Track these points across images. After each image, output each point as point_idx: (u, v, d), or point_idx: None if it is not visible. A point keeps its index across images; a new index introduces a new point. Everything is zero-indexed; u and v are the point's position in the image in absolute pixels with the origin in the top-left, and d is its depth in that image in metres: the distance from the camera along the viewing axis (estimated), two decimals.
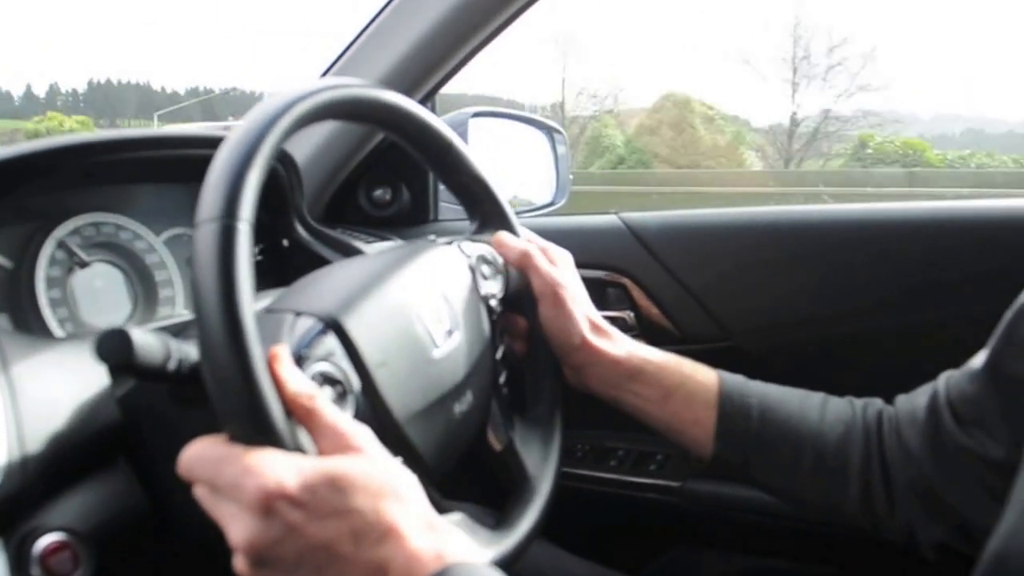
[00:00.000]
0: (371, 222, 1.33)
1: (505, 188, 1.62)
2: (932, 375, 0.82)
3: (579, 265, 1.19)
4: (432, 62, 1.15)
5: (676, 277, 1.22)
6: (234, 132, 0.60)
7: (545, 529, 0.81)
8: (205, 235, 0.54)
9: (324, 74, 1.23)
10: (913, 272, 1.14)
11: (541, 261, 0.86)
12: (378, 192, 1.34)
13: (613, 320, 1.23)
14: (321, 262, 1.07)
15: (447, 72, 1.19)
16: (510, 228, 0.90)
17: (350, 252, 1.09)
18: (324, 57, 1.21)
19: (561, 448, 0.86)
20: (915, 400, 0.81)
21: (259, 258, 1.08)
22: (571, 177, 1.71)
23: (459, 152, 0.85)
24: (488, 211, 0.89)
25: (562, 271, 0.88)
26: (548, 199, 1.65)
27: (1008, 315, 0.72)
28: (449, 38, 1.13)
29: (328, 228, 1.15)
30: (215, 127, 1.15)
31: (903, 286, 1.14)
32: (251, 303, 0.54)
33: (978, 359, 0.76)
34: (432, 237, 0.88)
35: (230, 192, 0.55)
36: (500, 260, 0.87)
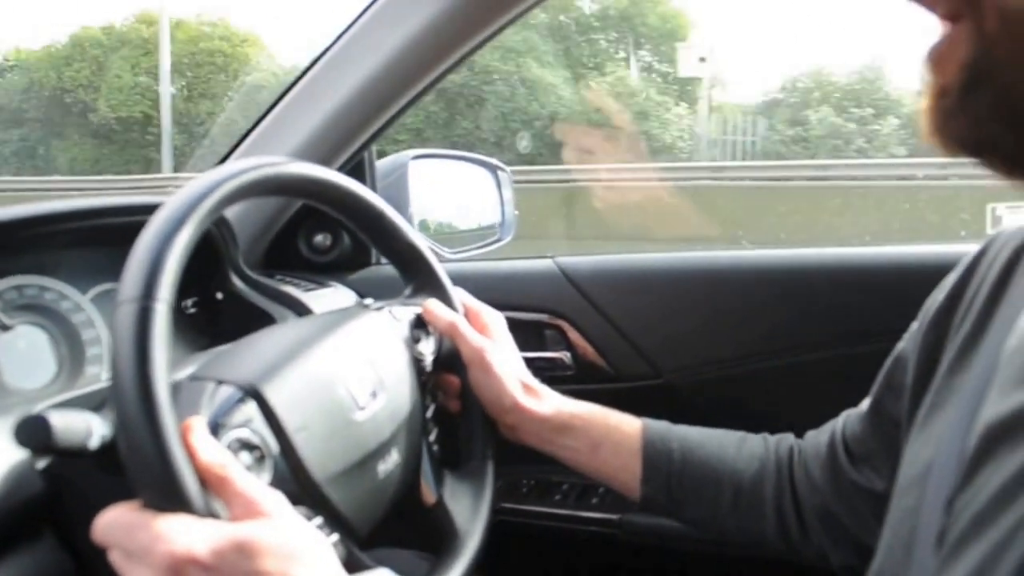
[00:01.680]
0: (312, 268, 1.34)
1: (451, 226, 1.66)
2: (845, 409, 0.87)
3: (517, 308, 1.22)
4: (352, 129, 1.18)
5: (609, 319, 1.26)
6: (158, 213, 0.63)
7: (490, 567, 0.85)
8: (124, 315, 0.57)
9: (235, 147, 1.25)
10: (829, 313, 1.21)
11: (467, 330, 0.89)
12: (318, 238, 1.35)
13: (551, 361, 1.27)
14: (258, 312, 1.08)
15: (370, 135, 1.22)
16: (443, 292, 0.93)
17: (288, 302, 1.10)
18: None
19: (492, 501, 0.88)
20: (819, 437, 0.87)
21: (192, 311, 1.09)
22: (516, 213, 1.74)
23: (390, 220, 0.88)
24: (422, 276, 0.92)
25: (490, 337, 0.91)
26: (495, 236, 1.68)
27: (888, 361, 0.77)
28: (368, 106, 1.17)
29: (266, 276, 1.16)
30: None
31: (820, 326, 1.21)
32: (165, 378, 0.57)
33: (866, 401, 0.81)
34: (368, 301, 0.90)
35: (149, 274, 0.59)
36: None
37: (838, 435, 0.84)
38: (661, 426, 0.91)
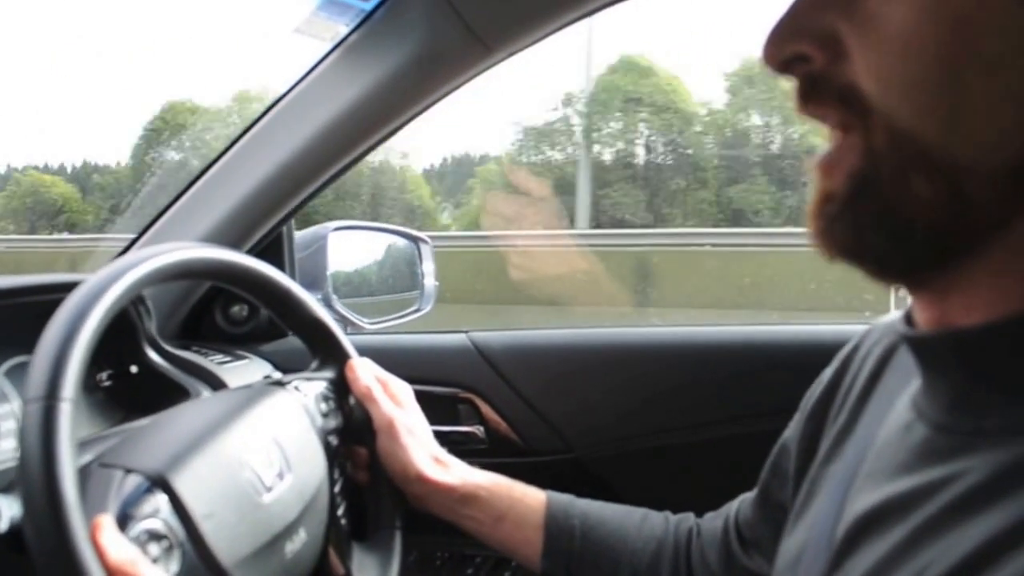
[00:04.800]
0: (228, 339, 1.34)
1: (371, 297, 1.67)
2: (754, 485, 0.89)
3: (431, 383, 1.24)
4: (266, 210, 1.21)
5: (521, 394, 1.29)
6: (64, 306, 0.65)
7: None
8: (30, 414, 0.59)
9: (148, 226, 1.26)
10: (739, 390, 1.25)
11: (381, 397, 0.92)
12: (235, 309, 1.35)
13: (464, 435, 1.29)
14: (172, 385, 1.08)
15: (284, 215, 1.25)
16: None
17: (203, 375, 1.10)
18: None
19: (400, 572, 0.89)
20: (716, 520, 0.89)
21: (107, 383, 1.08)
22: (436, 284, 1.76)
23: (296, 297, 0.90)
24: (328, 351, 0.94)
25: (401, 406, 0.93)
26: (414, 306, 1.69)
27: (774, 449, 0.80)
28: (283, 187, 1.19)
29: (182, 348, 1.15)
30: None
31: (730, 402, 1.25)
32: (72, 477, 0.58)
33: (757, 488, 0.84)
34: (277, 375, 0.91)
35: (53, 373, 0.60)
36: (338, 396, 0.92)
37: (732, 520, 0.86)
38: (564, 500, 0.93)
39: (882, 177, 0.46)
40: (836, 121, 0.49)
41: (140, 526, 0.64)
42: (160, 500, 0.66)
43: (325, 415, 0.89)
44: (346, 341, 0.95)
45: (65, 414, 0.59)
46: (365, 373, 0.93)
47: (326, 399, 0.90)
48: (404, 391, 0.96)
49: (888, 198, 0.46)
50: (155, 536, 0.64)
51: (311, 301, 0.92)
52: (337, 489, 0.88)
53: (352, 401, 0.94)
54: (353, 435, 0.92)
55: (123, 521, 0.63)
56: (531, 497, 0.93)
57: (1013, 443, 0.43)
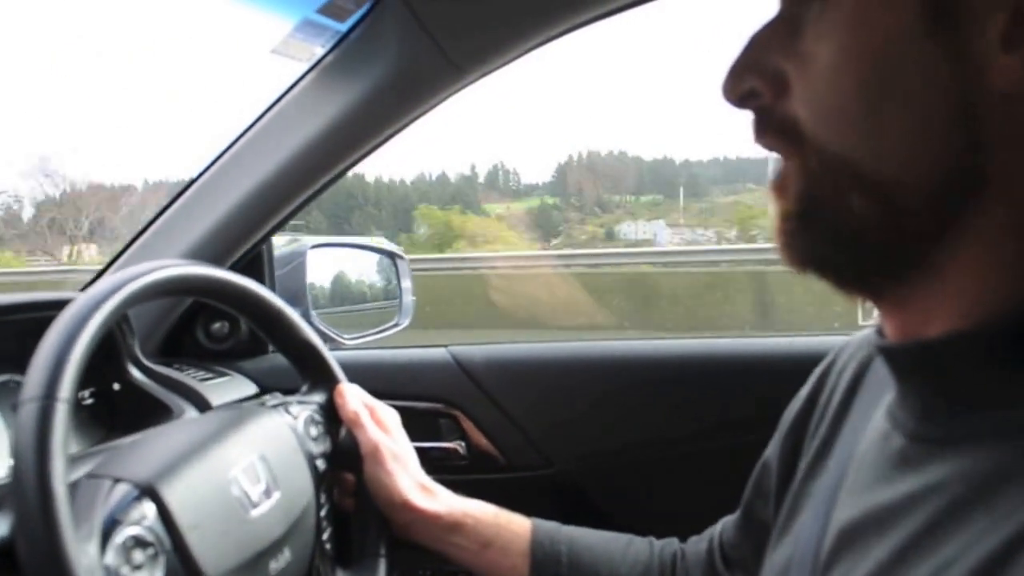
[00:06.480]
0: (209, 355, 1.34)
1: (349, 312, 1.68)
2: (734, 498, 0.89)
3: (412, 398, 1.24)
4: (247, 228, 1.22)
5: (502, 409, 1.30)
6: (63, 315, 0.67)
7: None
8: (26, 413, 0.61)
9: (127, 247, 1.27)
10: (720, 402, 1.27)
11: (368, 422, 0.92)
12: (216, 326, 1.35)
13: (445, 451, 1.30)
14: (155, 403, 1.08)
15: (265, 233, 1.26)
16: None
17: (185, 392, 1.11)
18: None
19: None
20: (700, 543, 0.90)
21: (89, 401, 1.08)
22: (413, 299, 1.77)
23: (289, 319, 0.91)
24: (318, 374, 0.95)
25: (387, 433, 0.94)
26: (392, 321, 1.71)
27: (756, 468, 0.81)
28: (264, 205, 1.21)
29: (164, 365, 1.16)
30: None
31: (711, 415, 1.26)
32: (63, 481, 0.60)
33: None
34: (266, 398, 0.93)
35: (51, 374, 0.62)
36: (328, 421, 0.93)
37: (715, 541, 0.87)
38: (550, 527, 0.94)
39: (823, 197, 0.50)
40: (782, 150, 0.53)
41: (126, 532, 0.65)
42: (147, 508, 0.68)
43: (314, 439, 0.90)
44: (336, 365, 0.96)
45: (61, 414, 0.61)
46: (353, 398, 0.94)
47: (315, 423, 0.91)
48: (391, 417, 0.96)
49: (832, 215, 0.50)
50: (141, 543, 0.66)
51: (303, 324, 0.93)
52: (323, 514, 0.89)
53: (342, 429, 0.94)
54: (341, 460, 0.92)
55: (110, 526, 0.64)
56: (517, 524, 0.93)
57: (977, 451, 0.45)
